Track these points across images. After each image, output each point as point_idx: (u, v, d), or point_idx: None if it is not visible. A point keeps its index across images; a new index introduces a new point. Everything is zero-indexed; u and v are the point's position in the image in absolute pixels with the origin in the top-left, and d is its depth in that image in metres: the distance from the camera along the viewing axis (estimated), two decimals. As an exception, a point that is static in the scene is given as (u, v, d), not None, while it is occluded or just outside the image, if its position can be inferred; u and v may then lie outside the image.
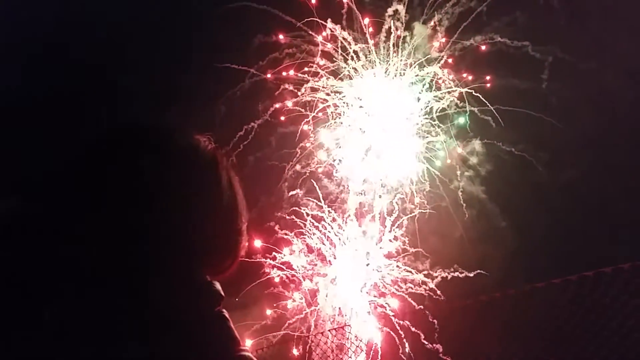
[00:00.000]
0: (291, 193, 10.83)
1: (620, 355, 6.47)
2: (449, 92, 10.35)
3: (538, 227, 7.60)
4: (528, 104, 8.86)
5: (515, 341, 6.99)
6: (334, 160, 10.90)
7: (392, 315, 9.18)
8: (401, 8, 10.70)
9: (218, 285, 1.46)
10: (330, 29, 10.84)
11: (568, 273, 6.72)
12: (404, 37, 10.59)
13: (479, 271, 8.87)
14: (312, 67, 10.74)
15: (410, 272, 10.21)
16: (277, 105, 10.81)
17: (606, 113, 7.67)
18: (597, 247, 6.85)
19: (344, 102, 10.79)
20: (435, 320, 8.50)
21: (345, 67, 10.86)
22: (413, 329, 8.97)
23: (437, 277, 9.79)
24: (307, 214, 10.56)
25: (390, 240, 10.41)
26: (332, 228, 10.51)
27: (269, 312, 9.89)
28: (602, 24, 7.82)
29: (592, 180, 7.29)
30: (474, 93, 9.86)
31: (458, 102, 10.00)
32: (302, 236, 10.43)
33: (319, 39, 10.72)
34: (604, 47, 7.79)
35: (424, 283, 10.00)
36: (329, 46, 10.48)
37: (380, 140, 10.50)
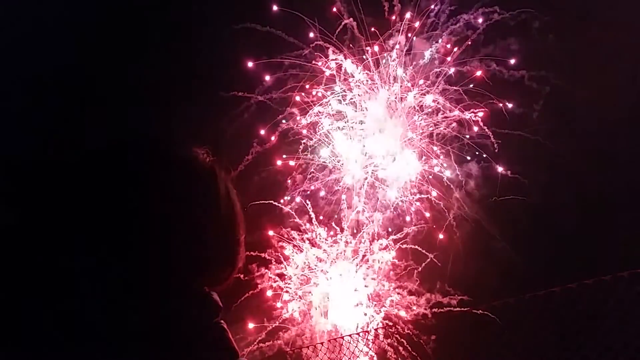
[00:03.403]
0: (286, 209, 10.87)
1: (621, 363, 6.44)
2: (446, 118, 10.69)
3: (536, 237, 7.70)
4: (524, 126, 9.19)
5: (514, 350, 6.94)
6: (336, 181, 11.05)
7: (385, 327, 9.13)
8: (402, 38, 11.15)
9: (216, 296, 1.47)
10: (333, 59, 11.20)
11: (568, 281, 6.75)
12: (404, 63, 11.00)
13: (464, 297, 8.96)
14: (317, 88, 11.02)
15: (402, 294, 10.21)
16: (282, 123, 11.00)
17: (602, 124, 7.96)
18: (596, 255, 6.96)
19: (345, 123, 11.03)
20: (433, 336, 8.45)
21: (347, 90, 11.17)
22: (404, 345, 8.90)
23: (429, 302, 9.79)
24: (303, 231, 10.61)
25: (381, 261, 10.46)
26: (326, 244, 10.54)
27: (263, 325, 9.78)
28: (597, 47, 8.23)
29: (590, 190, 7.48)
30: (473, 118, 10.18)
31: (457, 125, 10.32)
32: (296, 251, 10.44)
33: (324, 68, 11.06)
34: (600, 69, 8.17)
35: (417, 303, 9.98)
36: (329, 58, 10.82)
37: (379, 159, 10.72)
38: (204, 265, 1.45)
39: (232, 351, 1.42)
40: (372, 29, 11.10)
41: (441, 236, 10.26)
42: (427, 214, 10.49)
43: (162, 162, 1.45)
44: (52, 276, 1.24)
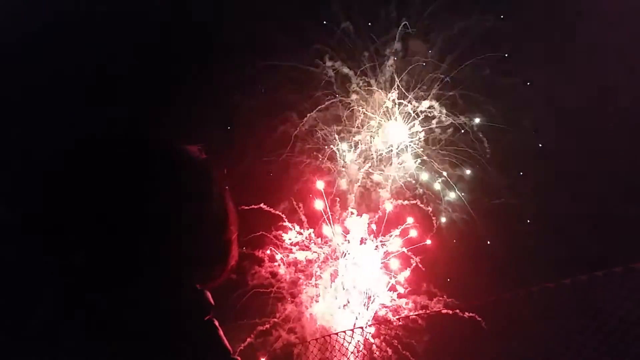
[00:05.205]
0: (277, 212, 10.81)
1: (614, 357, 6.47)
2: (441, 122, 10.80)
3: (531, 233, 7.76)
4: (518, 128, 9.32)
5: (509, 345, 6.92)
6: (329, 183, 11.05)
7: (374, 325, 9.09)
8: (399, 45, 11.30)
9: (208, 294, 1.46)
10: (330, 65, 11.29)
11: (562, 277, 6.80)
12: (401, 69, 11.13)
13: (451, 300, 8.96)
14: (315, 93, 11.08)
15: (392, 297, 10.19)
16: (279, 126, 11.01)
17: (596, 124, 8.10)
18: (590, 250, 7.03)
19: (342, 127, 11.09)
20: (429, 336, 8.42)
21: (343, 94, 11.24)
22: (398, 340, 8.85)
23: (417, 304, 9.77)
24: (294, 232, 10.56)
25: (371, 262, 10.45)
26: (317, 245, 10.52)
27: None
28: (594, 49, 8.39)
29: (587, 187, 7.58)
30: (465, 124, 10.31)
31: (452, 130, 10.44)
32: (287, 252, 10.39)
33: (317, 71, 11.12)
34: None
35: (405, 306, 9.95)
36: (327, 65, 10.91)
37: (374, 162, 10.80)
38: (196, 263, 1.43)
39: (224, 349, 1.40)
40: (369, 34, 11.24)
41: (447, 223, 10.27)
42: (411, 218, 10.51)
43: (154, 159, 1.42)
44: (42, 272, 1.22)
